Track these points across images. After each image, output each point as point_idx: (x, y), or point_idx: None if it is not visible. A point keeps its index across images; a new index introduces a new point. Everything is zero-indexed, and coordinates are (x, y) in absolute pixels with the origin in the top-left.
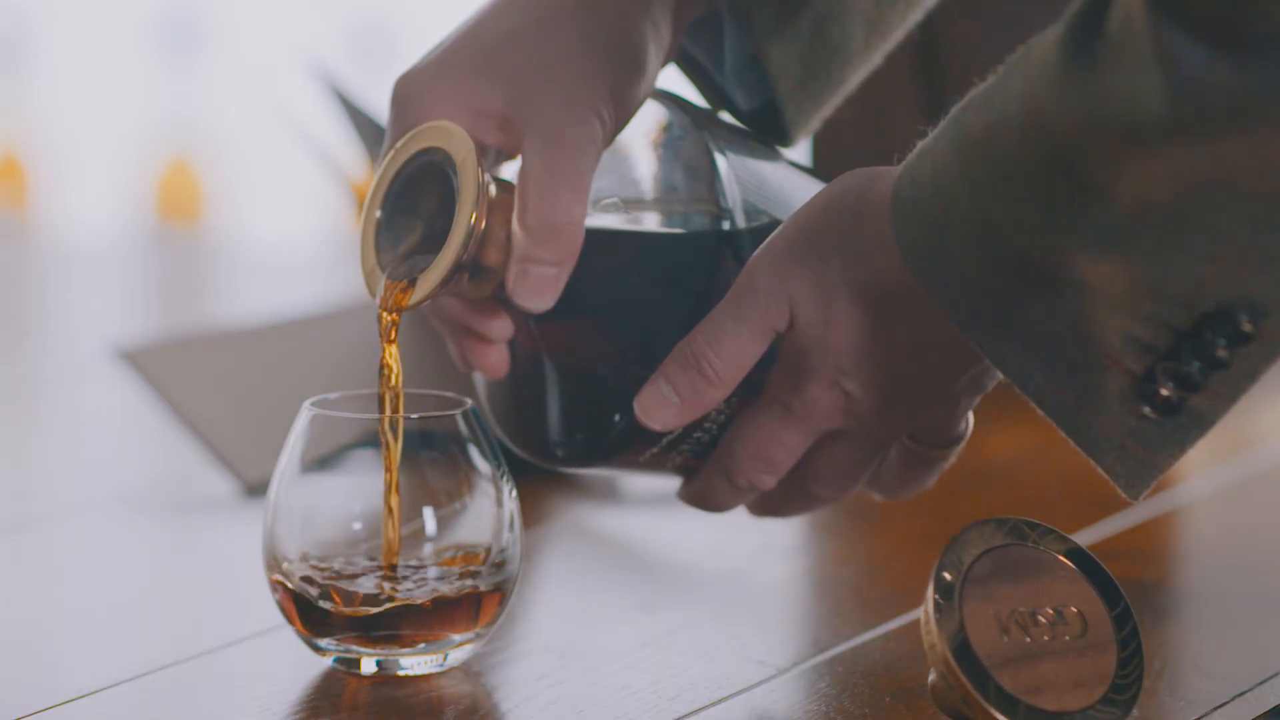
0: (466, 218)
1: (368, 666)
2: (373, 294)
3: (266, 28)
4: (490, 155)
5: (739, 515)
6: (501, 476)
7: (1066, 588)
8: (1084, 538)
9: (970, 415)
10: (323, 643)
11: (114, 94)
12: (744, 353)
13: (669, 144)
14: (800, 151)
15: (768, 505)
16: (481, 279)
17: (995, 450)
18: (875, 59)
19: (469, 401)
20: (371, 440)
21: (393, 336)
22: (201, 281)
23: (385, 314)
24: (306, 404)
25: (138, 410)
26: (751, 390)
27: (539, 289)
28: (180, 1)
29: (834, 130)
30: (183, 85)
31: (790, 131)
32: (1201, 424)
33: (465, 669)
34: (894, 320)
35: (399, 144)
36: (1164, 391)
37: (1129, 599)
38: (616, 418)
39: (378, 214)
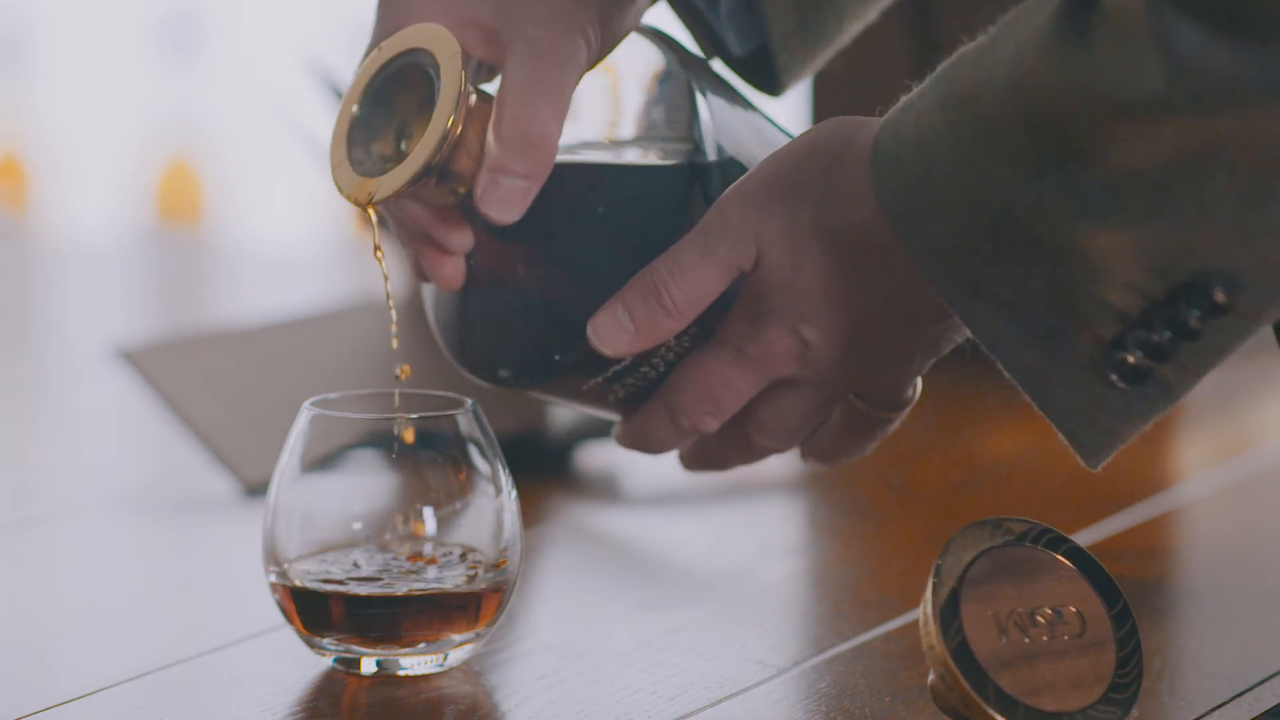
0: (444, 120)
1: (368, 666)
2: (338, 187)
3: (266, 28)
4: (473, 66)
5: (739, 515)
6: (501, 476)
7: (1065, 587)
8: (1084, 538)
9: (919, 380)
10: (323, 643)
11: (114, 94)
12: (706, 287)
13: (651, 79)
14: (798, 110)
15: (704, 454)
16: (449, 184)
17: (995, 450)
18: (871, 14)
19: (469, 401)
20: (371, 440)
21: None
22: (201, 281)
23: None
24: (306, 404)
25: (138, 410)
26: (705, 333)
27: (507, 200)
28: (180, 1)
29: (833, 87)
30: (183, 85)
31: (781, 79)
32: (1167, 395)
33: (465, 669)
34: (862, 270)
35: (384, 43)
36: (1131, 359)
37: (1127, 598)
38: (565, 342)
39: (354, 109)
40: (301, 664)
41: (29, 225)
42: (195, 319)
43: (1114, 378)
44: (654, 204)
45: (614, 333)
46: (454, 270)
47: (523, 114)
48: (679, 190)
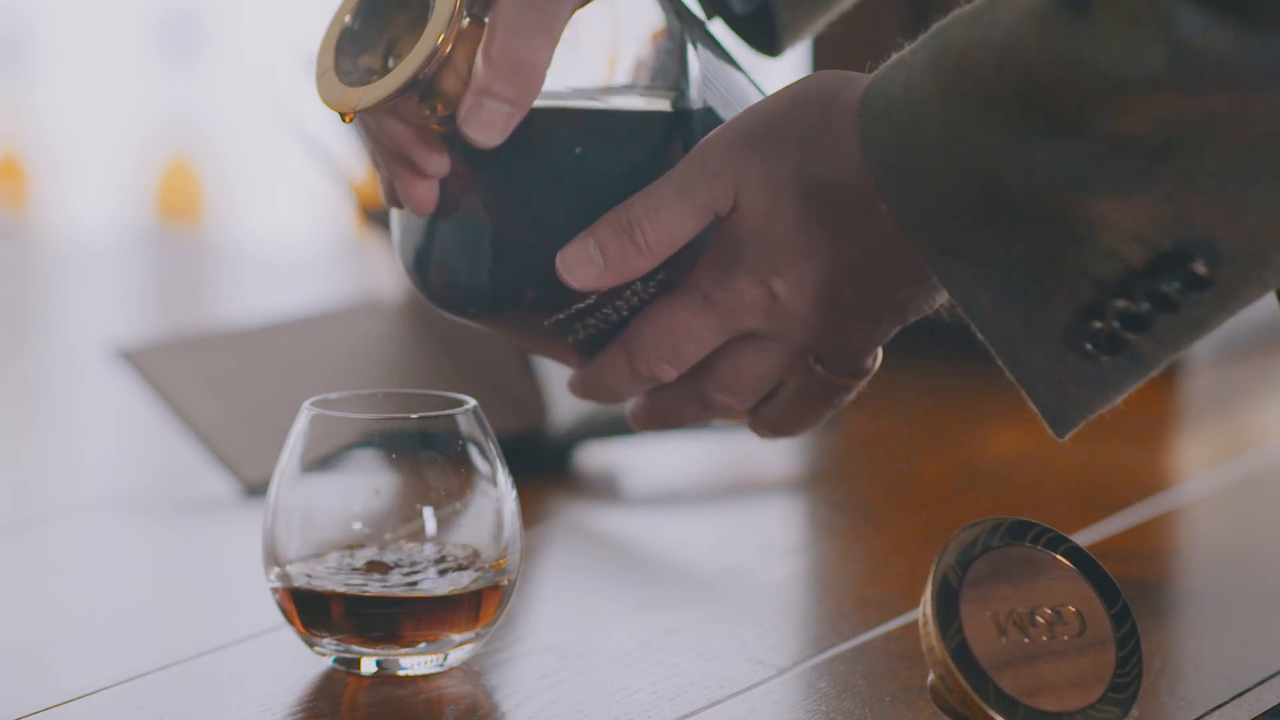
0: (434, 36)
1: (368, 666)
2: (321, 95)
3: (266, 28)
4: None
5: (739, 515)
6: (501, 476)
7: (1064, 587)
8: (1084, 538)
9: (880, 352)
10: (323, 643)
11: (114, 94)
12: (679, 228)
13: (644, 24)
14: (796, 71)
15: (657, 407)
16: (432, 102)
17: (995, 450)
18: None
19: (469, 401)
20: (371, 440)
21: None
22: (201, 281)
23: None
24: (306, 404)
25: (138, 410)
26: (672, 281)
27: (489, 123)
28: (180, 1)
29: (833, 50)
30: (183, 85)
31: (780, 38)
32: (1141, 368)
33: (465, 669)
34: (839, 225)
35: None
36: (1108, 328)
37: (1127, 597)
38: (532, 273)
39: (347, 19)
40: (301, 664)
41: (29, 225)
42: (195, 319)
43: (1089, 347)
44: (634, 147)
45: (582, 265)
46: (427, 193)
47: (513, 40)
48: (660, 136)
